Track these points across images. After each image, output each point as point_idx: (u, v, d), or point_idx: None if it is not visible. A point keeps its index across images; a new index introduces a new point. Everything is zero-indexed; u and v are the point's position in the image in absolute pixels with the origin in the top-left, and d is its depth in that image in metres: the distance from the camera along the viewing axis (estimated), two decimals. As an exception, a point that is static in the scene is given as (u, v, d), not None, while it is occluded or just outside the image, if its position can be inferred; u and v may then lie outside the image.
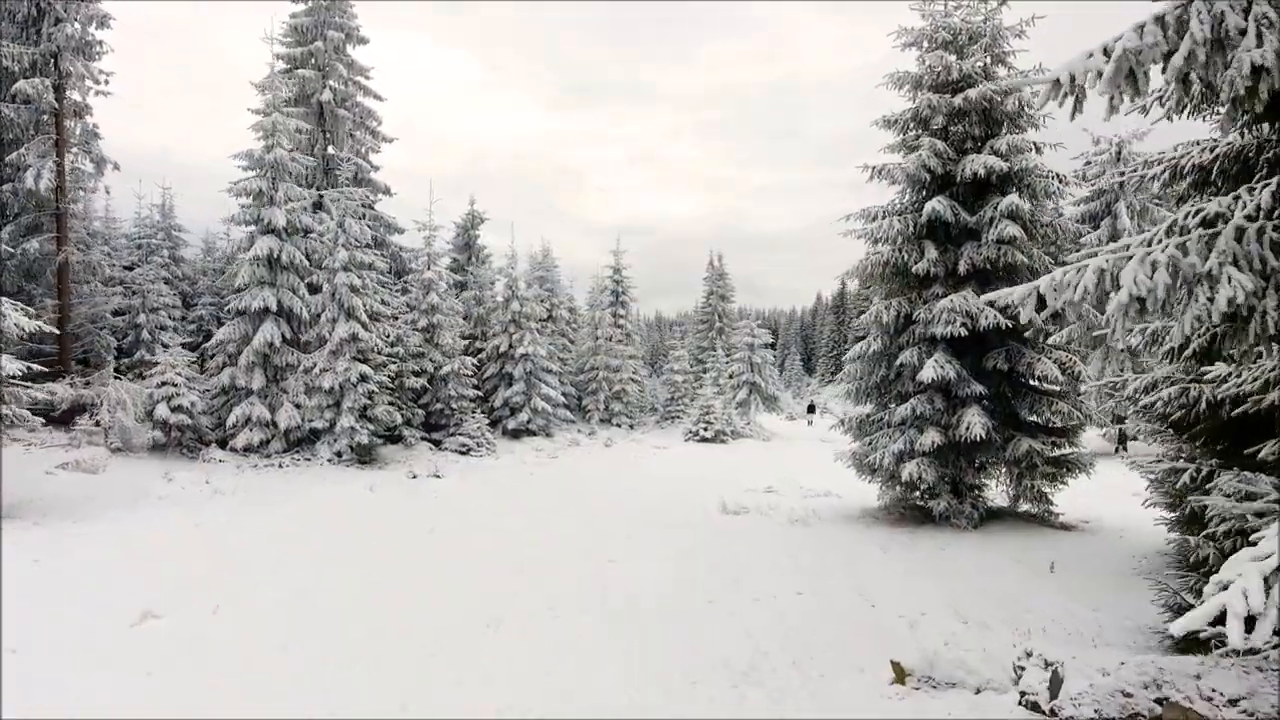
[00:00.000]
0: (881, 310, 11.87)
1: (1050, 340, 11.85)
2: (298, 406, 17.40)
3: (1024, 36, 12.00)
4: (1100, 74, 3.23)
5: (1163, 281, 3.30)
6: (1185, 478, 5.21)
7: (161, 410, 15.91)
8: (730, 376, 33.79)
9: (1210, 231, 3.40)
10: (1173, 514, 6.90)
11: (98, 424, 15.71)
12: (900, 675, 4.44)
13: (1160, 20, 3.34)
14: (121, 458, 15.29)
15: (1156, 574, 8.64)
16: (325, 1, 22.76)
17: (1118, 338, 3.76)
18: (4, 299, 10.88)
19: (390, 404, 18.50)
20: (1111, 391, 20.66)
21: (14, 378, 10.87)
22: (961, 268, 11.46)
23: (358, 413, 17.33)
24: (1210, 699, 3.48)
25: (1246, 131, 5.00)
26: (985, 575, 8.79)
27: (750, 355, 34.03)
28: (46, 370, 12.88)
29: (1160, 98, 6.03)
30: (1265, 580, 2.95)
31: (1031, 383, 11.76)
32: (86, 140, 18.06)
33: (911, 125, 12.33)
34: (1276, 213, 3.58)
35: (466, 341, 23.71)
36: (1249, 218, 3.57)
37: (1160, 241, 3.63)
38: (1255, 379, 4.97)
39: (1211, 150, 5.16)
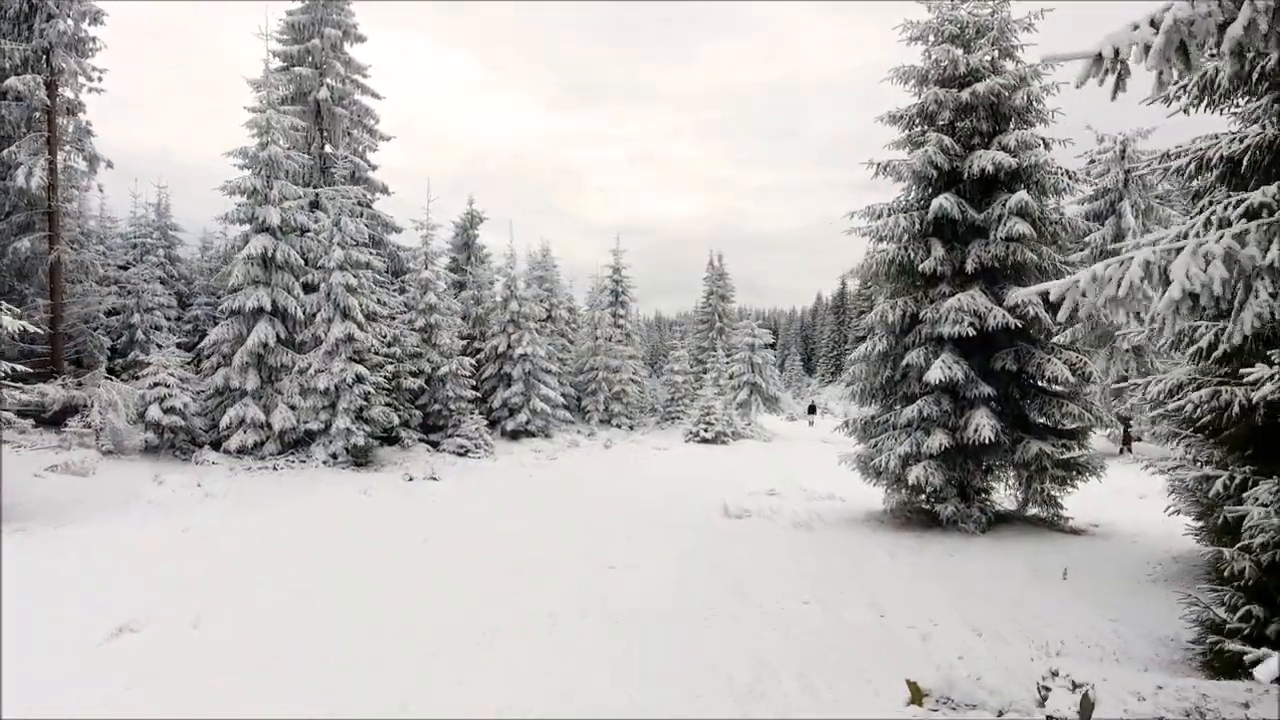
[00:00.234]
0: (887, 310, 11.62)
1: (1055, 340, 11.63)
2: (292, 408, 17.14)
3: (1032, 30, 11.77)
4: (1147, 47, 2.96)
5: (1218, 275, 3.02)
6: (1218, 485, 4.95)
7: (153, 412, 15.65)
8: (730, 377, 33.55)
9: (1271, 220, 3.13)
10: (1200, 523, 6.63)
11: (88, 426, 15.44)
12: (917, 696, 4.20)
13: (1217, -14, 3.06)
14: (112, 460, 15.02)
15: (1174, 581, 8.42)
16: (322, -1, 22.49)
17: (1166, 338, 3.51)
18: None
19: (387, 405, 18.25)
20: (1117, 392, 20.42)
21: (2, 377, 10.62)
22: (969, 266, 11.20)
23: (354, 414, 17.07)
24: (1258, 730, 3.21)
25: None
26: (996, 582, 8.54)
27: (751, 355, 33.78)
28: (33, 371, 12.64)
29: (1185, 86, 5.81)
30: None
31: (1041, 384, 11.51)
32: (79, 138, 17.79)
33: (917, 120, 12.09)
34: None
35: (465, 342, 23.46)
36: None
37: (1199, 234, 3.37)
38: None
39: (1241, 141, 4.90)
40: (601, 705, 5.31)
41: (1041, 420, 11.58)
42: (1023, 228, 10.82)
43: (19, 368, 11.10)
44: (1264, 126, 5.53)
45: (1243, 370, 4.39)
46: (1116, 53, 3.03)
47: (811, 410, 41.51)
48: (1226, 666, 4.53)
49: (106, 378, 17.18)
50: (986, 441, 10.51)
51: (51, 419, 15.85)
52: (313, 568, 8.97)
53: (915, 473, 10.81)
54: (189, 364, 18.07)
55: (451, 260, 26.97)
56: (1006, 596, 7.98)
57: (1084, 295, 3.35)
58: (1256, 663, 3.27)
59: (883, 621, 7.15)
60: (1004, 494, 11.99)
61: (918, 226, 11.57)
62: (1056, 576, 8.67)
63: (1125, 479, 12.47)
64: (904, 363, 11.44)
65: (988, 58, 11.68)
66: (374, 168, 23.95)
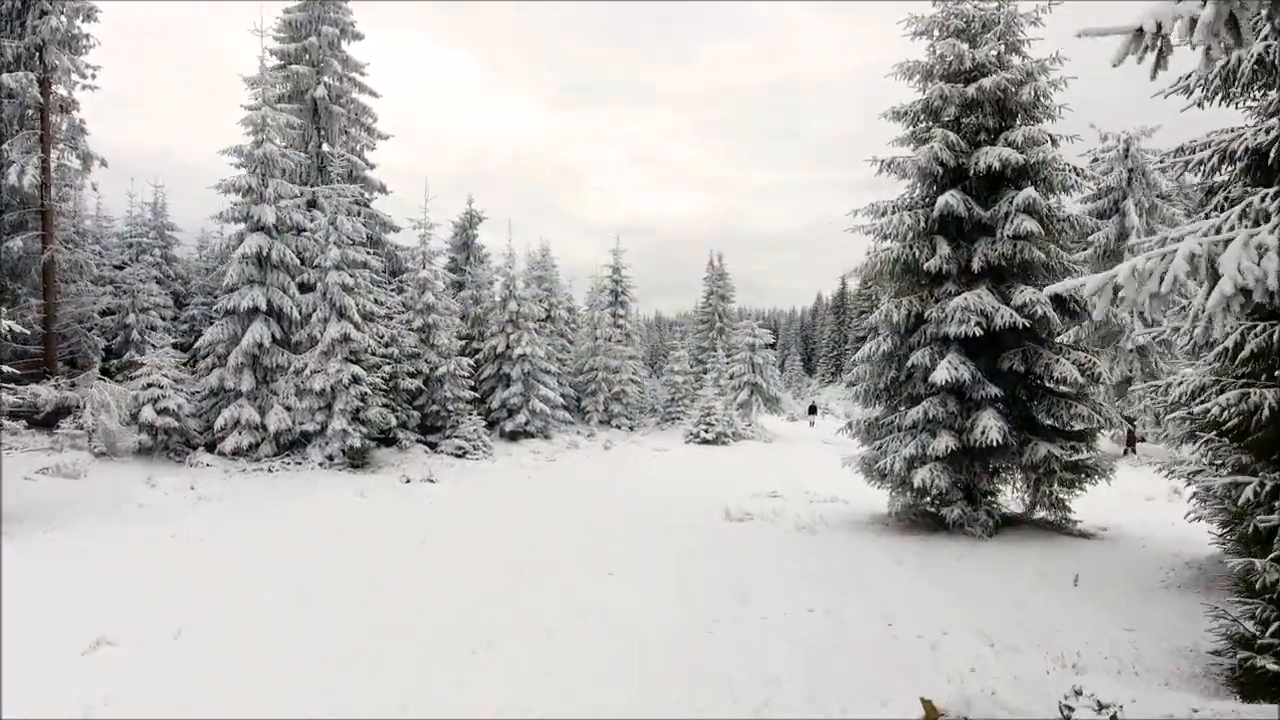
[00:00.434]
0: (891, 309, 11.41)
1: (1061, 339, 11.42)
2: (288, 409, 16.93)
3: (1039, 24, 11.56)
4: (1193, 21, 2.75)
5: (1273, 269, 2.81)
6: (1248, 492, 4.73)
7: (147, 413, 15.45)
8: (731, 377, 33.33)
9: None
10: (1226, 530, 6.40)
11: (81, 427, 15.23)
12: (933, 716, 4.00)
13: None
14: (105, 462, 14.82)
15: (1187, 588, 8.21)
16: (319, -4, 22.26)
17: (1213, 336, 3.30)
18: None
19: (384, 406, 18.03)
20: (1121, 392, 20.19)
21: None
22: (975, 264, 10.99)
23: (350, 415, 16.85)
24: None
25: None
26: (1005, 589, 8.32)
27: (751, 356, 33.55)
28: (24, 372, 12.44)
29: (1205, 78, 5.60)
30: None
31: (1049, 385, 11.29)
32: (73, 136, 17.58)
33: (922, 116, 11.88)
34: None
35: (463, 342, 23.24)
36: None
37: (1232, 227, 3.16)
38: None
39: (1269, 132, 4.69)
40: (602, 705, 5.27)
41: (1049, 422, 11.36)
42: (1031, 225, 10.60)
43: (8, 369, 10.90)
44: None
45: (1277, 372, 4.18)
46: (1159, 27, 2.83)
47: (812, 410, 41.27)
48: (1257, 684, 4.32)
49: (100, 378, 16.96)
50: (994, 443, 10.30)
51: (44, 420, 15.65)
52: (311, 568, 8.90)
53: (921, 475, 10.60)
54: (185, 364, 17.85)
55: (450, 260, 26.77)
56: (1016, 603, 7.77)
57: (1121, 291, 3.14)
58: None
59: (890, 630, 6.94)
60: (1011, 497, 11.78)
61: (923, 224, 11.37)
62: (1066, 582, 8.45)
63: (1132, 481, 12.28)
64: (909, 363, 11.23)
65: (994, 52, 11.46)
66: (372, 166, 23.74)
